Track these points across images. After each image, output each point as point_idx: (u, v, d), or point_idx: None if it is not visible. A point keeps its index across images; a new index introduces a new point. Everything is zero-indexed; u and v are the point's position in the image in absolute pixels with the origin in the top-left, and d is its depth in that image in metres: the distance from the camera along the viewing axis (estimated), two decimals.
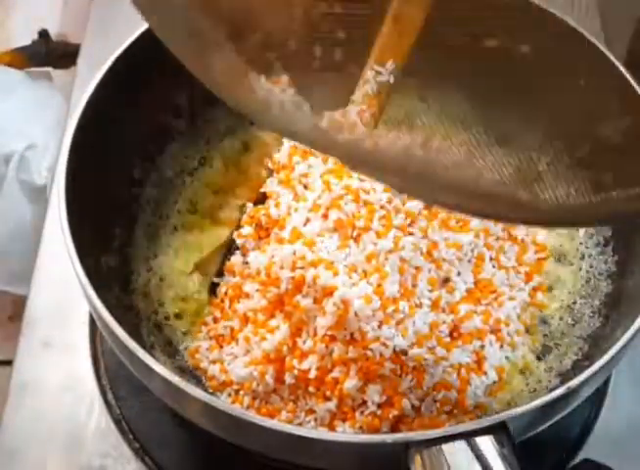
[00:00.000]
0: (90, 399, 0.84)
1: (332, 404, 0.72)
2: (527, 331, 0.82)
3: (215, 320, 0.82)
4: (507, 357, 0.79)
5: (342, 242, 0.76)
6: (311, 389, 0.73)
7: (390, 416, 0.72)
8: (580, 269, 0.85)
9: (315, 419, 0.73)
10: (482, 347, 0.77)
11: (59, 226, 0.70)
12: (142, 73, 0.84)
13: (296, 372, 0.73)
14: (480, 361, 0.77)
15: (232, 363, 0.77)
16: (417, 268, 0.77)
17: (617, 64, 0.82)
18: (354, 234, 0.77)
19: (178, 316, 0.83)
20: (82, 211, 0.74)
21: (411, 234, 0.77)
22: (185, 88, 0.92)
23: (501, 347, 0.79)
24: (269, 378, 0.74)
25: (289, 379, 0.74)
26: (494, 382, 0.77)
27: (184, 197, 0.91)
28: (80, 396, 0.84)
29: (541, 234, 0.88)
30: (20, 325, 0.89)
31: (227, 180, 0.93)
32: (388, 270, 0.75)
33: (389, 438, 0.62)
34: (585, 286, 0.84)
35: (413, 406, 0.73)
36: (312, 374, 0.73)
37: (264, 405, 0.75)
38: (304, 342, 0.74)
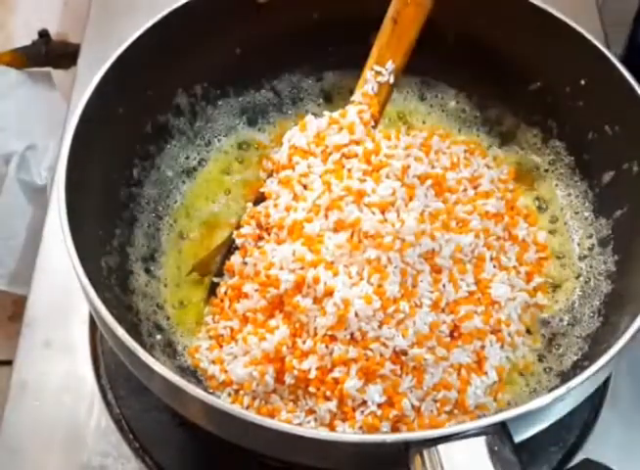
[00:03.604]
0: (90, 398, 0.84)
1: (332, 404, 0.72)
2: (528, 331, 0.82)
3: (215, 320, 0.81)
4: (507, 358, 0.79)
5: (342, 242, 0.76)
6: (311, 389, 0.73)
7: (391, 416, 0.72)
8: (580, 270, 0.85)
9: (315, 419, 0.73)
10: (483, 347, 0.77)
11: (59, 226, 0.70)
12: (142, 73, 0.84)
13: (295, 372, 0.73)
14: (480, 362, 0.77)
15: (232, 363, 0.77)
16: (418, 270, 0.77)
17: (618, 64, 0.82)
18: (355, 235, 0.77)
19: (178, 316, 0.83)
20: (82, 211, 0.74)
21: (412, 235, 0.77)
22: (185, 88, 0.92)
23: (502, 347, 0.79)
24: (269, 378, 0.74)
25: (289, 379, 0.74)
26: (494, 382, 0.77)
27: (183, 197, 0.91)
28: (80, 395, 0.84)
29: (542, 234, 0.88)
30: (20, 325, 0.89)
31: (227, 180, 0.93)
32: (390, 271, 0.75)
33: (389, 438, 0.62)
34: (585, 286, 0.84)
35: (413, 406, 0.73)
36: (312, 374, 0.73)
37: (264, 405, 0.75)
38: (304, 342, 0.74)
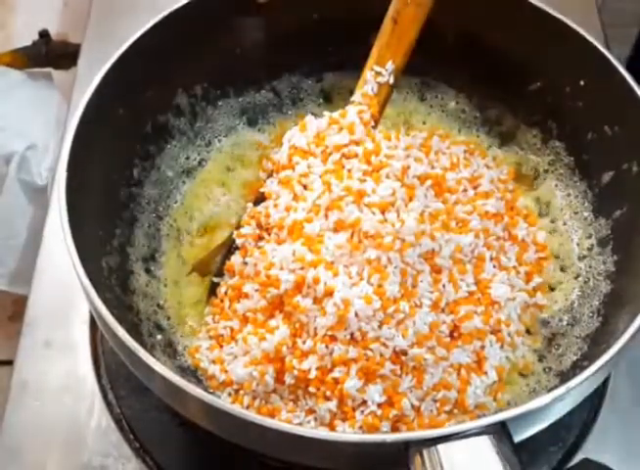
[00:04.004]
0: (90, 398, 0.84)
1: (332, 404, 0.72)
2: (528, 331, 0.82)
3: (215, 320, 0.81)
4: (507, 358, 0.79)
5: (342, 243, 0.76)
6: (311, 389, 0.73)
7: (391, 416, 0.72)
8: (580, 270, 0.85)
9: (315, 419, 0.73)
10: (483, 347, 0.77)
11: (59, 226, 0.70)
12: (142, 73, 0.84)
13: (295, 372, 0.73)
14: (480, 361, 0.77)
15: (232, 363, 0.77)
16: (418, 270, 0.77)
17: (617, 64, 0.82)
18: (355, 235, 0.77)
19: (178, 316, 0.83)
20: (82, 211, 0.74)
21: (412, 236, 0.77)
22: (185, 88, 0.92)
23: (501, 347, 0.79)
24: (269, 378, 0.74)
25: (289, 379, 0.74)
26: (494, 382, 0.77)
27: (183, 197, 0.91)
28: (81, 395, 0.85)
29: (541, 234, 0.88)
30: (20, 325, 0.89)
31: (227, 181, 0.93)
32: (389, 271, 0.75)
33: (389, 437, 0.62)
34: (584, 286, 0.84)
35: (413, 406, 0.73)
36: (312, 374, 0.73)
37: (264, 405, 0.75)
38: (304, 342, 0.74)
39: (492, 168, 0.91)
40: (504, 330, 0.79)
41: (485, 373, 0.76)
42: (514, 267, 0.83)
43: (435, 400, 0.74)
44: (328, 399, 0.73)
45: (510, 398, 0.77)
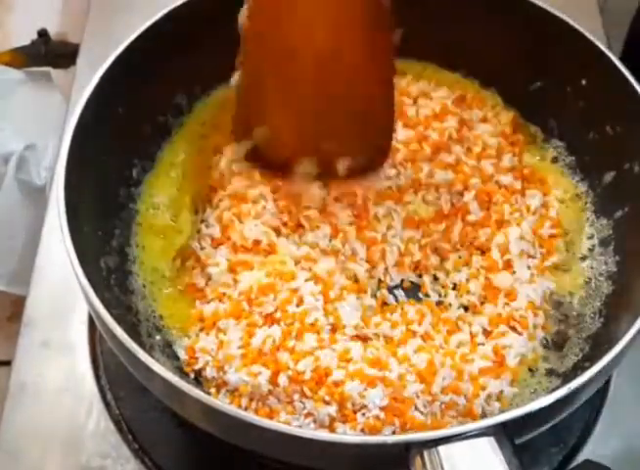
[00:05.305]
0: (89, 399, 0.84)
1: (332, 409, 0.72)
2: (529, 332, 0.82)
3: (213, 322, 0.81)
4: (522, 354, 0.78)
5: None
6: (307, 390, 0.73)
7: (397, 425, 0.72)
8: (581, 270, 0.85)
9: (314, 421, 0.73)
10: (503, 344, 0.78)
11: (58, 226, 0.70)
12: (141, 73, 0.84)
13: (290, 373, 0.73)
14: (500, 361, 0.77)
15: (227, 365, 0.76)
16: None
17: (619, 63, 0.81)
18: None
19: (177, 317, 0.83)
20: (81, 211, 0.73)
21: None
22: (184, 88, 0.92)
23: (519, 335, 0.79)
24: (262, 379, 0.73)
25: (283, 380, 0.73)
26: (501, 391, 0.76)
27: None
28: (79, 396, 0.84)
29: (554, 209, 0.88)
30: (18, 325, 0.89)
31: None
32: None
33: (390, 438, 0.62)
34: (586, 287, 0.84)
35: (416, 408, 0.73)
36: (307, 375, 0.73)
37: (262, 407, 0.74)
38: (293, 340, 0.74)
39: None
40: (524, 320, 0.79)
41: (502, 376, 0.76)
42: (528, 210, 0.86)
43: (442, 403, 0.73)
44: (327, 403, 0.72)
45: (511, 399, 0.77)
